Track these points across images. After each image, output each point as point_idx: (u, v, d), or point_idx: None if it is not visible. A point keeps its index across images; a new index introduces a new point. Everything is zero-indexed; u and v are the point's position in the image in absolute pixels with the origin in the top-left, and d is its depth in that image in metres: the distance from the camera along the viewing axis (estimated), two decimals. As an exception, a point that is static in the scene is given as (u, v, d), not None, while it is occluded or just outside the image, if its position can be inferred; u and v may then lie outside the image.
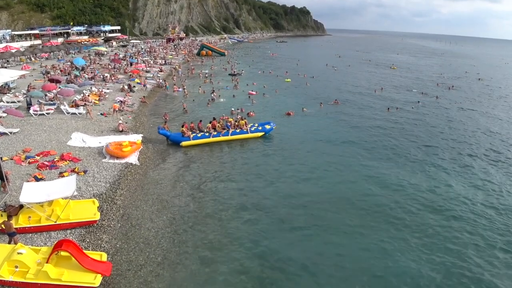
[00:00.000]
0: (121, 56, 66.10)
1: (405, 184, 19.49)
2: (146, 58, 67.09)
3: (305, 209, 16.41)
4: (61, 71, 46.17)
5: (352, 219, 15.67)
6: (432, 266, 12.77)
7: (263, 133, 26.13)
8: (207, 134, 24.80)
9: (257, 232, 14.49)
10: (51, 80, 35.91)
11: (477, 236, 14.85)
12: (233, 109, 33.06)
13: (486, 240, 14.55)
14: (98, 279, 10.36)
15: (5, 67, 44.28)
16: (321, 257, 13.08)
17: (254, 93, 42.77)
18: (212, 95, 39.58)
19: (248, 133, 25.62)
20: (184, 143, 23.98)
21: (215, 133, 24.89)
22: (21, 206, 13.04)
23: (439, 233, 14.86)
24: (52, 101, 30.00)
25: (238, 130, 25.59)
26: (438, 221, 15.78)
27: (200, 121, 26.31)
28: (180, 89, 43.68)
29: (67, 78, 39.73)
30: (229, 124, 25.65)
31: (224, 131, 25.07)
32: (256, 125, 26.67)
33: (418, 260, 13.03)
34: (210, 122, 25.57)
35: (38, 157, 18.71)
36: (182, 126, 24.86)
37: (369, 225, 15.24)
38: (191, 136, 24.30)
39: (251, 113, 32.42)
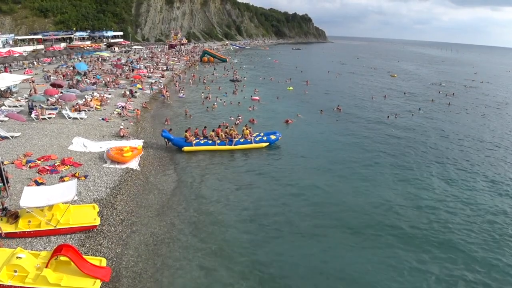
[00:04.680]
0: (123, 61, 66.39)
1: (406, 194, 19.49)
2: (148, 64, 67.40)
3: (305, 217, 16.35)
4: (63, 76, 46.39)
5: (353, 229, 15.58)
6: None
7: (267, 143, 25.67)
8: (210, 141, 24.63)
9: (257, 239, 14.46)
10: (53, 85, 36.05)
11: (486, 249, 14.75)
12: (233, 117, 32.76)
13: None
14: (97, 284, 10.32)
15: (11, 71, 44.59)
16: (322, 267, 13.03)
17: (257, 98, 42.85)
18: (215, 101, 39.62)
19: (252, 143, 25.24)
20: (186, 149, 23.95)
21: (219, 141, 24.68)
22: (16, 216, 12.95)
23: (443, 244, 14.82)
24: (54, 105, 30.10)
25: (242, 140, 25.26)
26: (440, 232, 15.75)
27: (205, 127, 26.18)
28: (181, 95, 43.86)
29: (69, 83, 39.88)
30: (230, 136, 25.02)
31: (228, 140, 24.80)
32: (262, 134, 26.15)
33: (424, 275, 12.97)
34: (213, 130, 25.36)
35: (39, 162, 18.72)
36: (186, 131, 24.78)
37: (371, 235, 15.16)
38: (194, 142, 24.29)
39: (254, 120, 32.34)
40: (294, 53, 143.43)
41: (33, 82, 39.15)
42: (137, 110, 31.29)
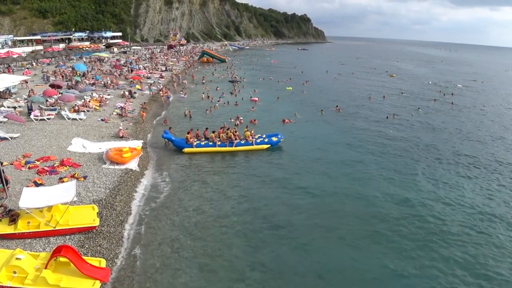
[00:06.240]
0: (122, 62, 66.36)
1: (405, 194, 19.49)
2: (147, 65, 67.37)
3: (306, 218, 16.34)
4: (62, 76, 46.36)
5: (353, 229, 15.57)
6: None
7: (269, 145, 25.39)
8: (211, 143, 24.53)
9: (256, 240, 14.45)
10: (52, 86, 36.02)
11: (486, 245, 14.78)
12: (232, 119, 32.55)
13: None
14: (97, 285, 10.32)
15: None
16: (322, 267, 13.03)
17: (256, 99, 42.81)
18: (217, 102, 39.61)
19: (253, 145, 25.04)
20: (186, 150, 23.89)
21: (220, 142, 24.57)
22: (12, 218, 12.90)
23: (443, 243, 14.83)
24: (53, 106, 30.09)
25: (243, 141, 25.11)
26: (440, 231, 15.77)
27: (206, 128, 26.07)
28: (182, 95, 43.85)
29: (68, 84, 39.85)
30: (230, 138, 24.82)
31: (229, 142, 24.68)
32: (264, 136, 25.96)
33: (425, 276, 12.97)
34: (213, 132, 25.23)
35: (38, 162, 18.72)
36: (188, 133, 24.66)
37: (370, 235, 15.14)
38: (195, 143, 24.24)
39: (255, 120, 32.25)
40: (293, 54, 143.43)
41: (27, 83, 39.04)
42: (142, 112, 31.21)
